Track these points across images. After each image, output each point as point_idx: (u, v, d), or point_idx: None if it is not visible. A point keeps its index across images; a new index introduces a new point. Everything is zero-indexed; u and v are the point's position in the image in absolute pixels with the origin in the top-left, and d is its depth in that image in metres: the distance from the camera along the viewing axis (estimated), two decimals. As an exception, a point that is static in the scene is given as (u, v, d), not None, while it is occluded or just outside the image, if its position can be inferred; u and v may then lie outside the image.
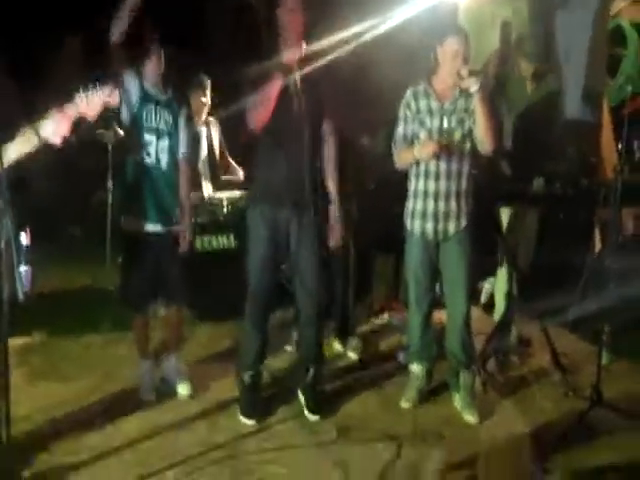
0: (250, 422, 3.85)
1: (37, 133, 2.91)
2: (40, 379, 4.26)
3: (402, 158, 3.98)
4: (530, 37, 4.79)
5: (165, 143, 4.02)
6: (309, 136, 3.80)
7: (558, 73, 5.03)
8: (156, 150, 3.99)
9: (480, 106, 3.76)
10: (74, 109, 2.93)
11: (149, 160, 3.99)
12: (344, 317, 4.96)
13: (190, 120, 4.31)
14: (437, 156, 3.82)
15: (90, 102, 2.93)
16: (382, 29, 4.95)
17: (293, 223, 3.86)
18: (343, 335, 4.93)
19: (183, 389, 4.13)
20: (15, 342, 4.41)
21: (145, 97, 3.99)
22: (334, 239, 4.01)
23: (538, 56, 4.72)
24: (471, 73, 3.73)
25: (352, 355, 4.81)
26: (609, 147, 6.02)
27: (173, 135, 4.06)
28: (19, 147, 2.92)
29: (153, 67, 4.00)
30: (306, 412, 3.95)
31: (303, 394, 4.04)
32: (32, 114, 3.06)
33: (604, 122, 6.10)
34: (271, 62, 3.81)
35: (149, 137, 3.98)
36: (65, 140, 2.98)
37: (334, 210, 3.99)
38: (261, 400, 4.04)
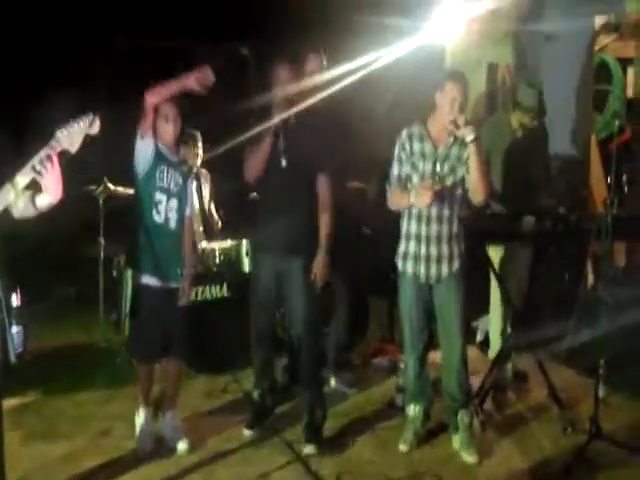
0: (248, 432, 4.22)
1: (15, 187, 2.90)
2: (35, 439, 4.22)
3: (397, 201, 4.00)
4: (530, 93, 4.72)
5: (174, 203, 4.09)
6: (299, 187, 4.08)
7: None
8: (165, 209, 4.07)
9: (474, 156, 3.77)
10: (55, 146, 2.89)
11: (158, 218, 4.06)
12: (339, 352, 4.99)
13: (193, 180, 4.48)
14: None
15: (71, 136, 2.90)
16: (369, 69, 5.02)
17: (285, 269, 4.11)
18: (339, 370, 4.95)
19: (181, 446, 4.09)
20: (9, 403, 4.39)
21: (159, 157, 4.05)
22: (318, 280, 4.17)
23: (532, 108, 4.69)
24: (468, 123, 3.73)
25: (347, 391, 4.85)
26: (598, 181, 6.09)
27: (182, 195, 4.14)
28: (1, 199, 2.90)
29: (170, 130, 4.06)
30: (306, 450, 3.99)
31: (303, 430, 4.14)
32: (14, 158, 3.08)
33: (593, 157, 6.19)
34: (261, 118, 4.04)
35: (160, 196, 4.05)
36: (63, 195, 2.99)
37: (321, 255, 4.12)
38: (265, 417, 4.32)
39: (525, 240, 4.68)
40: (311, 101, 4.14)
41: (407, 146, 3.95)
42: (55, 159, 2.91)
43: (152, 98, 3.94)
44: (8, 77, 7.14)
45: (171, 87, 3.96)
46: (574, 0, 5.81)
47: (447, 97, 3.81)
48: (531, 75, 5.76)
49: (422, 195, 3.79)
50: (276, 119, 4.01)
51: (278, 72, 4.12)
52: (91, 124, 2.95)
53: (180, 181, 4.14)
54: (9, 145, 3.18)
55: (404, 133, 3.98)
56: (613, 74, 6.55)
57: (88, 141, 2.97)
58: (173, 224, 4.10)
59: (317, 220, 4.14)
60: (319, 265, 4.11)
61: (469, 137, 3.74)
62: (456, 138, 3.85)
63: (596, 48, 6.39)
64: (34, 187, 2.96)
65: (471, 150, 3.77)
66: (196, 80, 3.92)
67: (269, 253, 4.17)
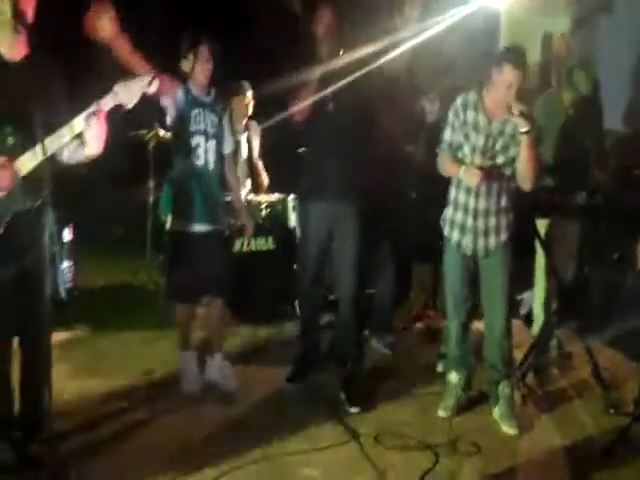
0: (289, 385, 4.25)
1: (72, 130, 2.94)
2: (81, 374, 4.31)
3: (446, 168, 3.95)
4: (583, 74, 4.59)
5: (212, 144, 4.10)
6: (349, 134, 4.04)
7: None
8: (205, 151, 4.07)
9: (527, 146, 3.69)
10: (112, 99, 2.94)
11: (198, 162, 4.06)
12: (382, 313, 4.99)
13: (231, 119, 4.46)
14: None
15: (129, 91, 2.94)
16: (423, 36, 4.94)
17: (338, 215, 4.11)
18: (380, 332, 4.97)
19: (232, 386, 4.18)
20: (58, 336, 4.48)
21: (193, 100, 4.06)
22: None
23: (590, 92, 4.58)
24: (523, 114, 3.63)
25: (386, 352, 4.88)
26: (654, 160, 5.94)
27: (219, 136, 4.15)
28: (56, 141, 2.94)
29: (201, 71, 4.06)
30: (347, 405, 4.02)
31: (343, 387, 4.14)
32: (73, 104, 3.09)
33: (649, 135, 6.03)
34: (311, 66, 4.03)
35: (198, 139, 4.05)
36: (105, 145, 3.01)
37: None
38: (306, 371, 4.34)
39: (575, 215, 4.60)
40: (361, 58, 4.06)
41: (461, 114, 3.87)
42: (103, 114, 2.94)
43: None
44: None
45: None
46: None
47: (503, 79, 3.70)
48: (589, 49, 5.59)
49: (470, 175, 3.75)
50: (324, 62, 3.98)
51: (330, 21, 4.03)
52: (150, 83, 2.98)
53: (216, 121, 4.14)
54: (68, 88, 3.19)
55: (459, 100, 3.90)
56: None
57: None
58: (212, 165, 4.11)
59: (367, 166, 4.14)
60: None
61: (523, 128, 3.65)
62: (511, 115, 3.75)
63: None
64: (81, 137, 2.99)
65: (524, 142, 3.69)
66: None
67: (321, 199, 4.13)
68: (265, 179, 6.03)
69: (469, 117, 3.85)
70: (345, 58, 4.00)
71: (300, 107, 4.05)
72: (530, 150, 3.71)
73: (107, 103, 2.95)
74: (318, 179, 4.14)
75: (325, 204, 4.13)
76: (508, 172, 3.84)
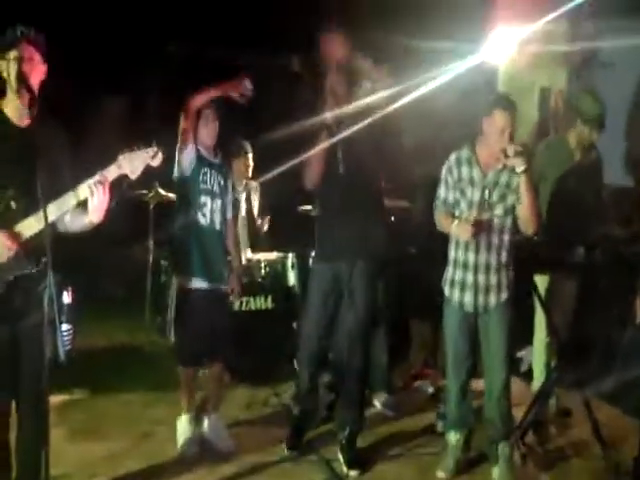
0: (288, 452, 4.16)
1: (77, 196, 2.98)
2: (80, 437, 4.30)
3: (442, 224, 3.99)
4: (590, 101, 4.56)
5: (218, 204, 4.19)
6: (359, 193, 4.04)
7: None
8: (211, 211, 4.15)
9: (525, 187, 3.71)
10: (116, 169, 2.98)
11: (204, 221, 4.14)
12: (381, 373, 4.96)
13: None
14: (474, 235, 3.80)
15: (133, 162, 2.98)
16: (421, 91, 5.02)
17: (348, 277, 4.05)
18: (379, 391, 4.94)
19: (228, 447, 4.19)
20: (56, 399, 4.47)
21: (200, 160, 4.16)
22: None
23: (599, 120, 4.52)
24: (517, 153, 3.65)
25: (388, 413, 4.83)
26: (653, 214, 5.98)
27: (224, 196, 4.25)
28: (60, 207, 2.98)
29: (209, 131, 4.17)
30: (345, 469, 4.00)
31: (342, 450, 4.12)
32: (75, 171, 3.15)
33: (648, 189, 6.08)
34: (316, 124, 4.06)
35: (204, 199, 4.15)
36: (107, 213, 3.05)
37: None
38: (304, 433, 4.30)
39: (574, 271, 4.61)
40: (362, 112, 4.07)
41: (455, 170, 3.92)
42: (107, 183, 2.98)
43: (194, 103, 4.06)
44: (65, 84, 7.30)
45: (210, 93, 4.08)
46: (632, 25, 5.72)
47: (495, 125, 3.75)
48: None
49: (462, 229, 3.79)
50: (329, 118, 4.02)
51: (332, 77, 4.11)
52: (154, 156, 3.02)
53: (222, 182, 4.24)
54: (73, 155, 3.25)
55: (452, 157, 3.95)
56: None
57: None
58: (218, 225, 4.20)
59: (380, 226, 4.18)
60: None
61: (520, 168, 3.66)
62: (505, 165, 3.79)
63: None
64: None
65: (522, 181, 3.71)
66: (235, 89, 4.07)
67: (333, 262, 4.11)
68: (263, 228, 6.05)
69: (463, 173, 3.89)
70: (349, 118, 4.01)
71: (311, 170, 4.08)
72: (529, 187, 3.72)
73: (111, 173, 2.99)
74: (332, 241, 4.13)
75: (337, 266, 4.09)
76: (507, 223, 3.87)
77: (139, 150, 3.00)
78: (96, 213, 3.01)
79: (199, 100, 4.07)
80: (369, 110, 4.04)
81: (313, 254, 4.56)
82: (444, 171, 3.98)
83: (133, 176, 3.01)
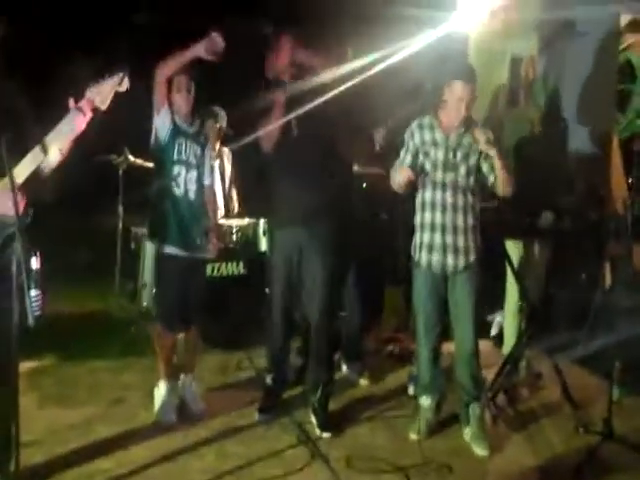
0: (260, 416, 4.17)
1: (44, 149, 2.93)
2: (50, 403, 4.26)
3: (394, 178, 3.97)
4: (538, 82, 4.81)
5: (193, 174, 4.14)
6: (317, 157, 4.05)
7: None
8: (185, 181, 4.10)
9: (498, 163, 3.79)
10: (87, 103, 2.95)
11: (178, 190, 4.09)
12: (352, 341, 4.97)
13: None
14: (442, 187, 3.86)
15: (101, 92, 2.96)
16: (392, 59, 4.98)
17: (305, 241, 4.09)
18: (351, 359, 4.94)
19: (201, 408, 4.22)
20: (25, 366, 4.43)
21: (176, 130, 4.09)
22: None
23: (540, 105, 4.71)
24: (488, 140, 3.74)
25: (360, 381, 4.83)
26: (619, 182, 6.04)
27: (200, 166, 4.18)
28: (28, 166, 2.93)
29: (184, 101, 4.09)
30: (318, 431, 4.02)
31: (314, 413, 4.14)
32: (41, 118, 3.09)
33: (613, 156, 6.13)
34: (277, 90, 4.08)
35: (179, 169, 4.09)
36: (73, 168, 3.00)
37: None
38: (276, 399, 4.29)
39: (543, 237, 4.65)
40: (330, 87, 4.07)
41: (417, 134, 3.96)
42: (87, 114, 2.95)
43: (163, 70, 3.99)
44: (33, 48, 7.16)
45: (180, 57, 3.98)
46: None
47: (454, 94, 3.83)
48: (555, 70, 5.69)
49: (400, 170, 3.84)
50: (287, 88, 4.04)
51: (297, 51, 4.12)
52: (121, 81, 3.00)
53: (199, 152, 4.17)
54: (33, 112, 3.18)
55: (414, 123, 4.00)
56: (637, 73, 6.47)
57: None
58: (192, 195, 4.14)
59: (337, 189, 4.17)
60: None
61: (491, 153, 3.77)
62: (468, 127, 3.86)
63: (621, 46, 6.31)
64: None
65: (494, 160, 3.80)
66: (205, 47, 3.94)
67: (291, 226, 4.13)
68: (236, 204, 6.08)
69: (426, 136, 3.94)
70: (307, 84, 4.02)
71: (267, 134, 4.07)
72: (502, 161, 3.80)
73: (84, 107, 2.95)
74: (286, 206, 4.14)
75: (294, 231, 4.12)
76: (471, 183, 3.89)
77: (105, 79, 2.97)
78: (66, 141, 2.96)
79: (167, 67, 3.99)
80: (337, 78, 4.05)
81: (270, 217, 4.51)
82: (406, 136, 4.01)
83: (103, 106, 2.97)
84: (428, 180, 3.92)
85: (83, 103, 2.97)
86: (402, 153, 4.02)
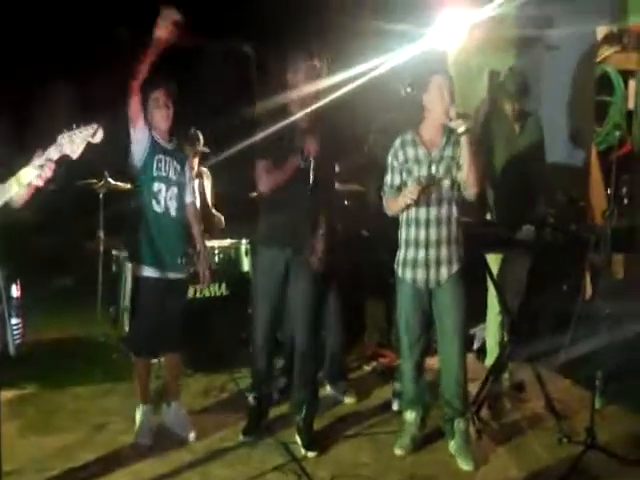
0: (244, 438, 4.13)
1: (19, 182, 2.91)
2: (32, 431, 4.22)
3: (391, 207, 4.01)
4: (510, 76, 4.88)
5: (174, 191, 4.10)
6: (307, 179, 3.96)
7: (537, 115, 5.06)
8: (165, 198, 4.06)
9: (466, 148, 3.76)
10: (57, 150, 2.91)
11: (158, 208, 4.05)
12: (335, 360, 4.95)
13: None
14: (427, 202, 3.85)
15: (73, 142, 2.92)
16: (370, 77, 5.02)
17: (292, 261, 4.06)
18: (334, 378, 4.93)
19: (191, 435, 4.15)
20: (6, 394, 4.39)
21: (154, 146, 4.06)
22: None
23: (518, 93, 4.78)
24: (459, 115, 3.73)
25: (345, 399, 4.80)
26: (598, 192, 6.10)
27: (181, 183, 4.15)
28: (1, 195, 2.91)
29: (163, 117, 4.07)
30: (303, 451, 4.00)
31: (299, 432, 4.12)
32: (16, 156, 3.08)
33: (592, 168, 6.19)
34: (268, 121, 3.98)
35: (159, 185, 4.05)
36: (47, 182, 2.98)
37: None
38: (260, 420, 4.25)
39: (524, 249, 4.68)
40: (317, 106, 4.05)
41: (400, 153, 3.96)
42: (51, 166, 2.91)
43: (134, 80, 3.90)
44: (11, 69, 7.15)
45: (145, 57, 3.86)
46: (577, 10, 5.80)
47: (434, 92, 3.84)
48: (531, 83, 5.78)
49: (408, 192, 3.80)
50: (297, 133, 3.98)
51: (289, 74, 4.06)
52: (94, 133, 2.96)
53: (179, 168, 4.14)
54: (12, 138, 3.18)
55: (397, 141, 4.00)
56: (615, 86, 6.55)
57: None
58: (173, 212, 4.10)
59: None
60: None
61: (462, 128, 3.73)
62: (449, 139, 3.88)
63: (598, 59, 6.40)
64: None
65: (463, 141, 3.76)
66: (160, 25, 3.82)
67: (278, 246, 4.06)
68: (221, 220, 6.05)
69: (409, 154, 3.94)
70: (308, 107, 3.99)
71: (269, 181, 4.03)
72: (470, 149, 3.76)
73: (52, 154, 2.91)
74: (274, 225, 4.09)
75: (281, 250, 4.07)
76: (455, 196, 3.90)
77: (79, 129, 2.94)
78: (37, 180, 2.93)
79: (136, 75, 3.88)
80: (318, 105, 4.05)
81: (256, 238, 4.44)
82: (390, 157, 4.01)
83: (74, 155, 2.94)
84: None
85: (51, 149, 2.91)
86: (388, 177, 4.01)
